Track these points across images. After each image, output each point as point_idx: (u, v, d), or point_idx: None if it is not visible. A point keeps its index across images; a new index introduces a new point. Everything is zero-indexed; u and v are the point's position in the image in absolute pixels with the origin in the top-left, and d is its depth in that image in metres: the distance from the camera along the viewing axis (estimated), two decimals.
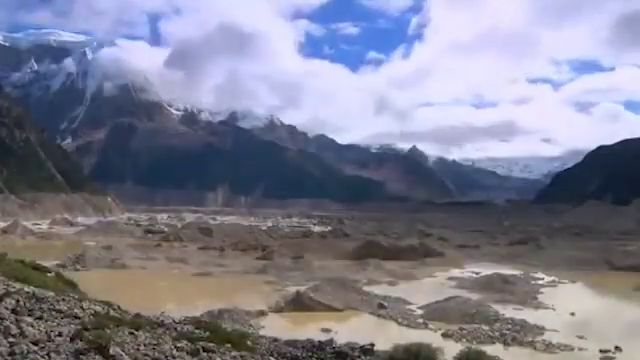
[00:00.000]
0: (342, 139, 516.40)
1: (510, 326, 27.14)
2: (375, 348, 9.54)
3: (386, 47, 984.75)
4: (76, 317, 9.18)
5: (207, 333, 9.39)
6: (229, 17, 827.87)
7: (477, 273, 48.24)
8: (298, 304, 30.96)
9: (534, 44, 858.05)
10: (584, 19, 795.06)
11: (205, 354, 8.08)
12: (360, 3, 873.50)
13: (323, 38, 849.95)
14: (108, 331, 7.87)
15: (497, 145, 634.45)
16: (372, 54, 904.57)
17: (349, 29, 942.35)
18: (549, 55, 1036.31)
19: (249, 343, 9.39)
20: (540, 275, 48.18)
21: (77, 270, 41.88)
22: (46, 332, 7.64)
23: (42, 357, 6.58)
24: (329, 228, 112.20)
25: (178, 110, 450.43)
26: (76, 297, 11.46)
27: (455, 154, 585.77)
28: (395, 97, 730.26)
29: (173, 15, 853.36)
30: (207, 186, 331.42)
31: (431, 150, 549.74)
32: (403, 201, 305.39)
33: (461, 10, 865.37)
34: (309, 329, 25.88)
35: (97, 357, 6.82)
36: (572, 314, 31.50)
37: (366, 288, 37.94)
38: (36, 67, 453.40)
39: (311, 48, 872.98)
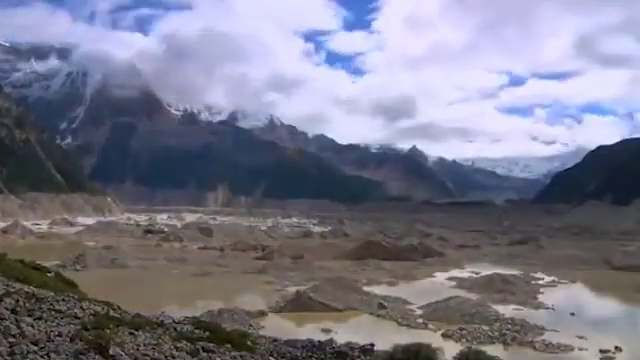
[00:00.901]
0: (342, 139, 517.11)
1: (510, 326, 27.15)
2: (375, 348, 9.52)
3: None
4: (76, 317, 9.17)
5: (207, 333, 9.37)
6: (234, 21, 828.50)
7: (477, 273, 48.25)
8: (298, 304, 30.96)
9: (477, 56, 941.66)
10: (525, 33, 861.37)
11: (205, 354, 8.07)
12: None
13: (321, 48, 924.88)
14: (108, 331, 7.86)
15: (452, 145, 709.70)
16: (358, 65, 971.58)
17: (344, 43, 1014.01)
18: (490, 66, 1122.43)
19: (249, 343, 9.38)
20: (540, 275, 48.19)
21: (77, 270, 41.90)
22: (46, 332, 7.62)
23: (42, 357, 6.56)
24: (329, 228, 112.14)
25: (178, 110, 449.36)
26: (76, 297, 11.45)
27: (454, 154, 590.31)
28: (378, 101, 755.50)
29: (177, 17, 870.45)
30: (207, 186, 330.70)
31: (428, 150, 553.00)
32: (403, 201, 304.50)
33: (413, 29, 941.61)
34: (309, 329, 25.90)
35: (97, 357, 6.81)
36: (572, 314, 31.53)
37: (366, 288, 37.94)
38: (36, 67, 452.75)
39: (311, 56, 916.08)
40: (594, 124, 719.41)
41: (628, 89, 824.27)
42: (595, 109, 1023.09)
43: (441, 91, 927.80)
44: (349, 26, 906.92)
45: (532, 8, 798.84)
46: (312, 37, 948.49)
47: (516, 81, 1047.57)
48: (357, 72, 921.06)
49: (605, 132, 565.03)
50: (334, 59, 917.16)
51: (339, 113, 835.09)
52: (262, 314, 29.73)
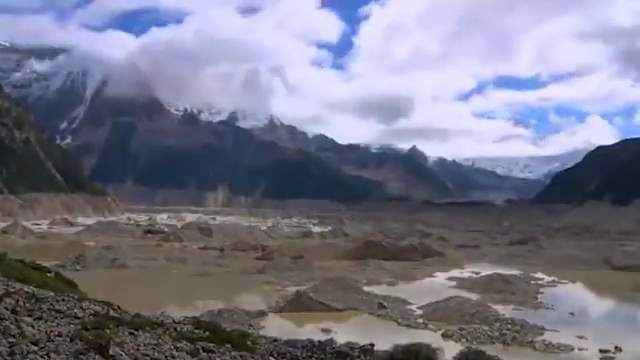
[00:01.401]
0: (342, 139, 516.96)
1: (510, 326, 27.13)
2: (375, 348, 9.52)
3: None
4: (76, 317, 9.17)
5: (207, 333, 9.37)
6: (236, 24, 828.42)
7: (477, 273, 48.25)
8: (298, 304, 30.95)
9: (453, 62, 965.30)
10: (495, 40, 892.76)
11: (205, 354, 8.06)
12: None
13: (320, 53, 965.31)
14: (108, 331, 7.86)
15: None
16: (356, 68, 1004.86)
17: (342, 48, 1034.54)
18: (465, 70, 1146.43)
19: (249, 343, 9.38)
20: (540, 275, 48.20)
21: (77, 270, 41.88)
22: (46, 332, 7.62)
23: (42, 357, 6.56)
24: (329, 228, 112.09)
25: (178, 110, 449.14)
26: (76, 297, 11.45)
27: (454, 154, 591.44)
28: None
29: (178, 18, 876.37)
30: (207, 186, 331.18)
31: (429, 150, 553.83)
32: (403, 201, 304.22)
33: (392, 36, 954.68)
34: (309, 329, 25.91)
35: (97, 357, 6.81)
36: (572, 314, 31.52)
37: (366, 288, 37.93)
38: (36, 67, 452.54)
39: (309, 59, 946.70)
40: (567, 126, 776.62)
41: (599, 93, 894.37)
42: (565, 112, 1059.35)
43: (440, 92, 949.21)
44: (345, 33, 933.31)
45: (503, 15, 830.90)
46: (312, 41, 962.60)
47: (483, 86, 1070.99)
48: (357, 74, 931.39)
49: (583, 134, 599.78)
50: (333, 63, 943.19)
51: (339, 113, 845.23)
52: (262, 314, 29.71)
